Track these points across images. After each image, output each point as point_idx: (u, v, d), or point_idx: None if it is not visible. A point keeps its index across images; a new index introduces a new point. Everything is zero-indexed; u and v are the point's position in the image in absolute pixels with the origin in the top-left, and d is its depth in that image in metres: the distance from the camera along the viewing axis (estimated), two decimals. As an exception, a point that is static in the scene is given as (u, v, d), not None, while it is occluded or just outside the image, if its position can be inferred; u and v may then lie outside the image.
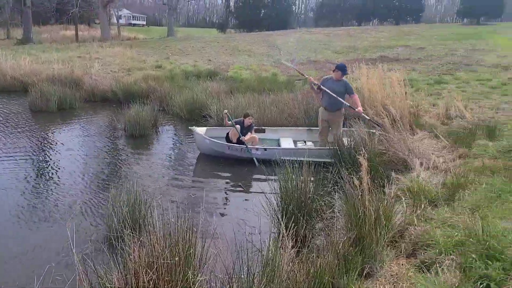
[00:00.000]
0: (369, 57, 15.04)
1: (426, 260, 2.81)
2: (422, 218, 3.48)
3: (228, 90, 9.96)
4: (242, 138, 6.24)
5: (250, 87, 10.09)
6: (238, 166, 6.02)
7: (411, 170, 4.79)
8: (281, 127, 7.29)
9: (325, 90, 5.99)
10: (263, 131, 7.05)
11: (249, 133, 6.39)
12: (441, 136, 5.76)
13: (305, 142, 6.69)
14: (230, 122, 6.25)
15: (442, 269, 2.58)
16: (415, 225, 3.32)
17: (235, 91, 9.66)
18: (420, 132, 6.31)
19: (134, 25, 59.23)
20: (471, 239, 2.72)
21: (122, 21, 50.35)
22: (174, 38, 27.03)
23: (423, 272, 2.69)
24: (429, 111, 7.55)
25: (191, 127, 6.67)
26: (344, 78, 6.08)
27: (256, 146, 6.19)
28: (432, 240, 2.98)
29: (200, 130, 6.64)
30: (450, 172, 4.45)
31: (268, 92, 9.19)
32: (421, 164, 4.87)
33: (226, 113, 6.30)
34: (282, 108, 7.85)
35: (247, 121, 6.43)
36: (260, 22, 44.42)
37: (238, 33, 36.80)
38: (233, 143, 6.30)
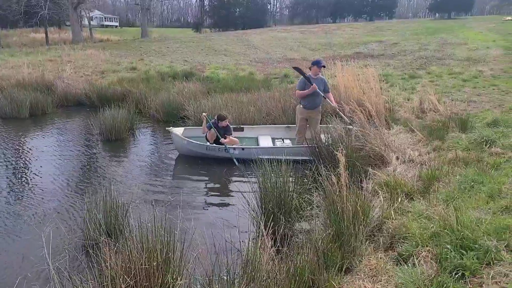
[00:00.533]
0: (345, 53, 15.26)
1: (403, 253, 2.85)
2: (399, 212, 3.54)
3: (205, 90, 9.87)
4: (222, 140, 6.18)
5: (227, 87, 10.05)
6: (217, 167, 5.97)
7: (387, 165, 4.87)
8: (260, 125, 7.28)
9: (316, 90, 5.89)
10: (242, 129, 7.04)
11: (229, 137, 6.27)
12: (416, 130, 5.89)
13: (283, 140, 6.70)
14: (208, 125, 6.21)
15: (419, 261, 2.63)
16: (393, 219, 3.37)
17: (212, 91, 9.59)
18: (395, 127, 6.44)
19: (107, 26, 57.89)
20: (446, 230, 2.78)
21: (94, 22, 49.10)
22: (148, 39, 26.56)
23: (401, 264, 2.74)
24: (404, 105, 7.72)
25: (169, 128, 6.57)
26: (321, 74, 6.11)
27: (234, 146, 6.16)
28: (408, 233, 3.03)
29: (178, 131, 6.56)
30: (425, 165, 4.55)
31: (245, 91, 9.17)
32: (397, 158, 4.96)
33: (205, 116, 6.27)
34: (260, 106, 7.84)
35: (223, 124, 6.31)
36: (236, 20, 44.37)
37: (214, 33, 36.57)
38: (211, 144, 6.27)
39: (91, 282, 2.32)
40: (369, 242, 3.21)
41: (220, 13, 44.72)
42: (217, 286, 2.56)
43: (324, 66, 6.08)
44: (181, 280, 2.55)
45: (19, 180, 5.60)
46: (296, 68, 6.54)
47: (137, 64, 15.06)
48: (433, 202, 3.50)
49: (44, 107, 9.64)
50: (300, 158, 5.44)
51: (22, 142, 7.46)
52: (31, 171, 5.93)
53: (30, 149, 7.04)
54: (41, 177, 5.64)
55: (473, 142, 5.13)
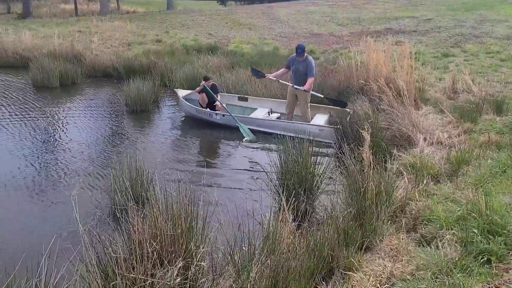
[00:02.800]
0: (374, 29, 14.67)
1: (426, 235, 2.81)
2: (424, 194, 3.47)
3: (229, 65, 9.78)
4: (218, 102, 6.67)
5: (251, 61, 9.91)
6: (240, 141, 6.01)
7: (414, 146, 4.74)
8: (266, 98, 7.29)
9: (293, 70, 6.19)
10: (246, 99, 7.23)
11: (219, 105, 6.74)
12: (446, 111, 5.66)
13: (269, 113, 6.68)
14: (204, 89, 6.65)
15: (443, 243, 2.58)
16: (417, 201, 3.31)
17: (236, 66, 9.50)
18: (425, 107, 6.22)
19: (134, -2, 57.72)
20: (473, 214, 2.70)
21: (121, -6, 48.99)
22: (173, 11, 26.36)
23: (423, 246, 2.70)
24: (435, 85, 7.41)
25: (175, 89, 7.24)
26: (308, 57, 6.14)
27: (216, 112, 6.64)
28: (433, 215, 2.97)
29: (182, 92, 7.26)
30: (455, 147, 4.40)
31: (269, 66, 9.02)
32: (425, 139, 4.81)
33: (203, 85, 6.64)
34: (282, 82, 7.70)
35: (208, 84, 6.69)
36: (263, -7, 43.16)
37: (239, 6, 35.85)
38: (203, 107, 6.80)
39: (119, 245, 2.42)
40: (391, 223, 3.18)
41: (246, -15, 43.62)
42: (238, 256, 2.63)
43: (303, 50, 6.07)
44: (203, 248, 2.63)
45: (49, 145, 5.86)
46: (253, 70, 7.15)
47: (163, 37, 15.06)
48: (461, 185, 3.40)
49: (73, 77, 9.86)
50: (280, 132, 5.68)
51: (52, 110, 7.73)
52: (60, 138, 6.18)
53: (59, 117, 7.30)
54: (68, 144, 5.89)
55: (508, 125, 4.90)
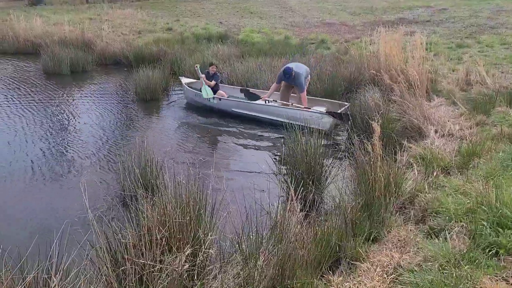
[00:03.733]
0: (387, 18, 14.39)
1: (435, 227, 2.80)
2: (433, 186, 3.44)
3: (239, 54, 9.72)
4: (202, 78, 6.85)
5: (261, 50, 9.83)
6: (250, 130, 6.01)
7: (425, 137, 4.69)
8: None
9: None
10: (248, 91, 7.27)
11: (214, 82, 6.96)
12: (458, 103, 5.57)
13: (268, 101, 6.63)
14: (201, 75, 6.92)
15: (451, 235, 2.57)
16: (426, 192, 3.29)
17: (247, 55, 9.44)
18: (437, 99, 6.12)
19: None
20: (483, 207, 2.68)
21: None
22: (185, -1, 26.16)
23: (431, 238, 2.69)
24: (448, 76, 7.27)
25: (180, 76, 7.63)
26: (295, 73, 6.11)
27: (214, 96, 6.79)
28: (442, 207, 2.95)
29: (186, 80, 7.59)
30: (466, 139, 4.34)
31: (280, 56, 8.95)
32: (436, 131, 4.75)
33: (197, 67, 6.95)
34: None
35: (211, 70, 6.97)
36: (274, -19, 42.49)
37: (251, -6, 35.39)
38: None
39: (129, 231, 2.46)
40: (399, 214, 3.17)
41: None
42: (245, 244, 2.65)
43: (288, 76, 6.11)
44: (211, 235, 2.65)
45: (59, 132, 5.95)
46: (243, 90, 7.23)
47: (173, 25, 15.01)
48: (472, 178, 3.36)
49: (84, 65, 9.94)
50: (270, 117, 6.09)
51: (63, 97, 7.82)
52: (69, 124, 6.27)
53: (69, 104, 7.39)
54: (78, 130, 5.99)
55: (522, 118, 4.80)
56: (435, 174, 3.63)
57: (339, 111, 5.80)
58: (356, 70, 7.19)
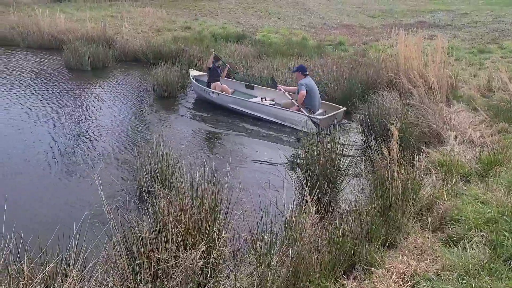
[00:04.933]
0: (407, 22, 14.18)
1: (453, 235, 2.74)
2: (452, 193, 3.37)
3: (256, 54, 9.73)
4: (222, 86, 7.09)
5: (278, 51, 9.82)
6: (266, 129, 6.02)
7: (444, 144, 4.60)
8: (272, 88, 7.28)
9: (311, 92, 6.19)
10: (252, 87, 7.40)
11: (223, 86, 7.17)
12: (480, 109, 5.44)
13: (265, 99, 6.75)
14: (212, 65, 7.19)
15: (471, 245, 2.51)
16: (445, 200, 3.22)
17: (264, 55, 9.44)
18: (457, 104, 6.00)
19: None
20: (504, 217, 2.61)
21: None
22: (204, -2, 26.32)
23: (450, 246, 2.64)
24: (469, 82, 7.12)
25: (189, 69, 7.88)
26: (298, 81, 6.28)
27: (213, 90, 6.99)
28: (461, 216, 2.89)
29: (194, 73, 7.88)
30: (487, 147, 4.24)
31: (297, 57, 8.91)
32: (456, 137, 4.65)
33: (212, 52, 7.33)
34: (310, 74, 7.60)
35: (218, 63, 7.34)
36: (293, -18, 42.35)
37: (270, -5, 35.37)
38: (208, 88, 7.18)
39: (145, 225, 2.49)
40: (416, 221, 3.11)
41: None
42: (259, 243, 2.65)
43: (306, 73, 6.37)
44: (225, 234, 2.66)
45: (77, 126, 6.07)
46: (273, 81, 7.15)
47: (191, 24, 15.14)
48: (493, 186, 3.28)
49: (104, 61, 10.12)
50: (265, 117, 6.24)
51: (83, 92, 7.98)
52: (88, 119, 6.39)
53: (89, 99, 7.53)
54: (96, 125, 6.09)
55: (547, 127, 4.66)
56: (454, 181, 3.55)
57: (320, 118, 5.91)
58: (374, 73, 7.11)
